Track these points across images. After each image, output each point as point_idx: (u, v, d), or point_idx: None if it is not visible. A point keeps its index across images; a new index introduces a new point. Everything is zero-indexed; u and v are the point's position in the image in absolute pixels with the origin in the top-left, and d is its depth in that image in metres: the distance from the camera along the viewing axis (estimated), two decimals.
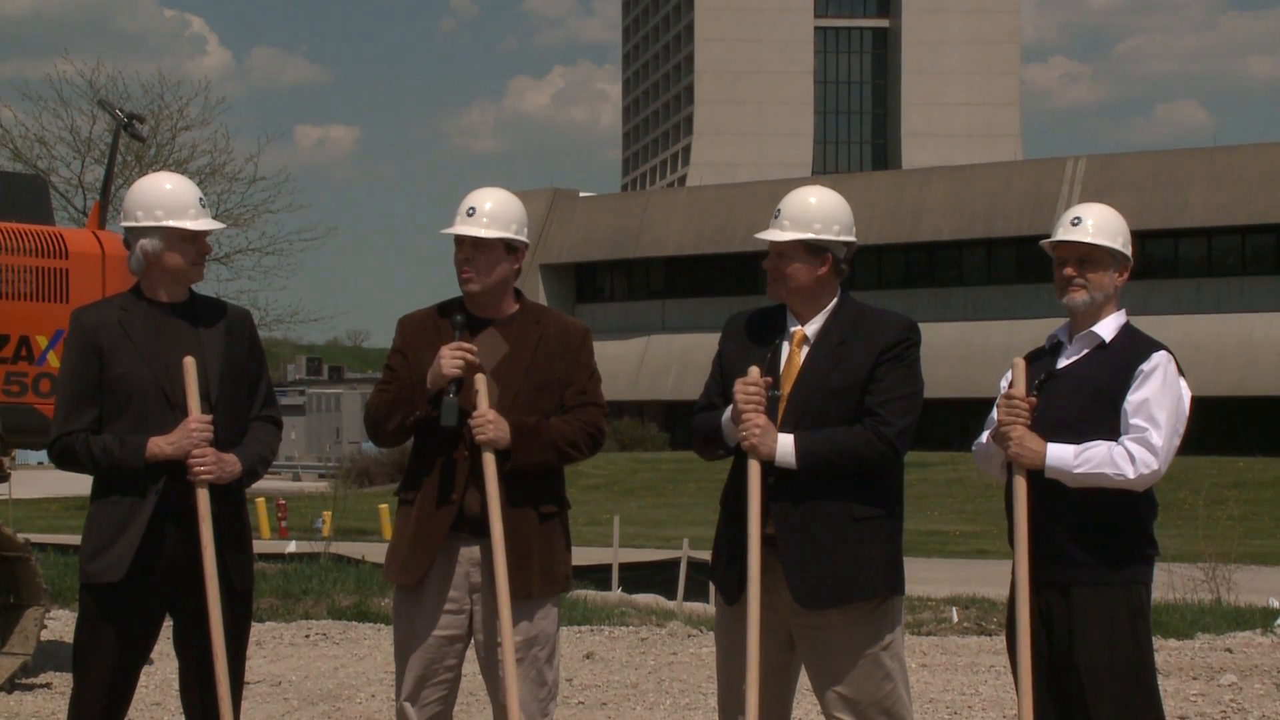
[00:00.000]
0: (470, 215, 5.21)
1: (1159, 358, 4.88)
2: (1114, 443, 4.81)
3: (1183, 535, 19.44)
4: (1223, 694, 9.63)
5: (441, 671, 5.25)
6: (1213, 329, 51.86)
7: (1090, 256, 4.98)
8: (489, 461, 5.09)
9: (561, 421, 5.21)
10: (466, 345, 5.14)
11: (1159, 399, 4.83)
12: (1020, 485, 4.92)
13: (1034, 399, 4.96)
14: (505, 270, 5.25)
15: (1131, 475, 4.78)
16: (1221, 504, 23.67)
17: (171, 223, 5.17)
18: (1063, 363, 5.03)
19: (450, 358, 5.10)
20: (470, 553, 5.20)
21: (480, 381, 5.12)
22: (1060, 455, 4.85)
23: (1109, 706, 4.85)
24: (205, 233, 5.25)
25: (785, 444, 4.91)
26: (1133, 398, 4.85)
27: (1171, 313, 48.77)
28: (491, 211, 5.22)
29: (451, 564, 5.21)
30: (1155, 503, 4.99)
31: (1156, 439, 4.79)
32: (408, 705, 5.26)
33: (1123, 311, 5.04)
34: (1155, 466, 4.79)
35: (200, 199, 5.29)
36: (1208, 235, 54.04)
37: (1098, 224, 4.99)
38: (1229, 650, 11.51)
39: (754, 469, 4.93)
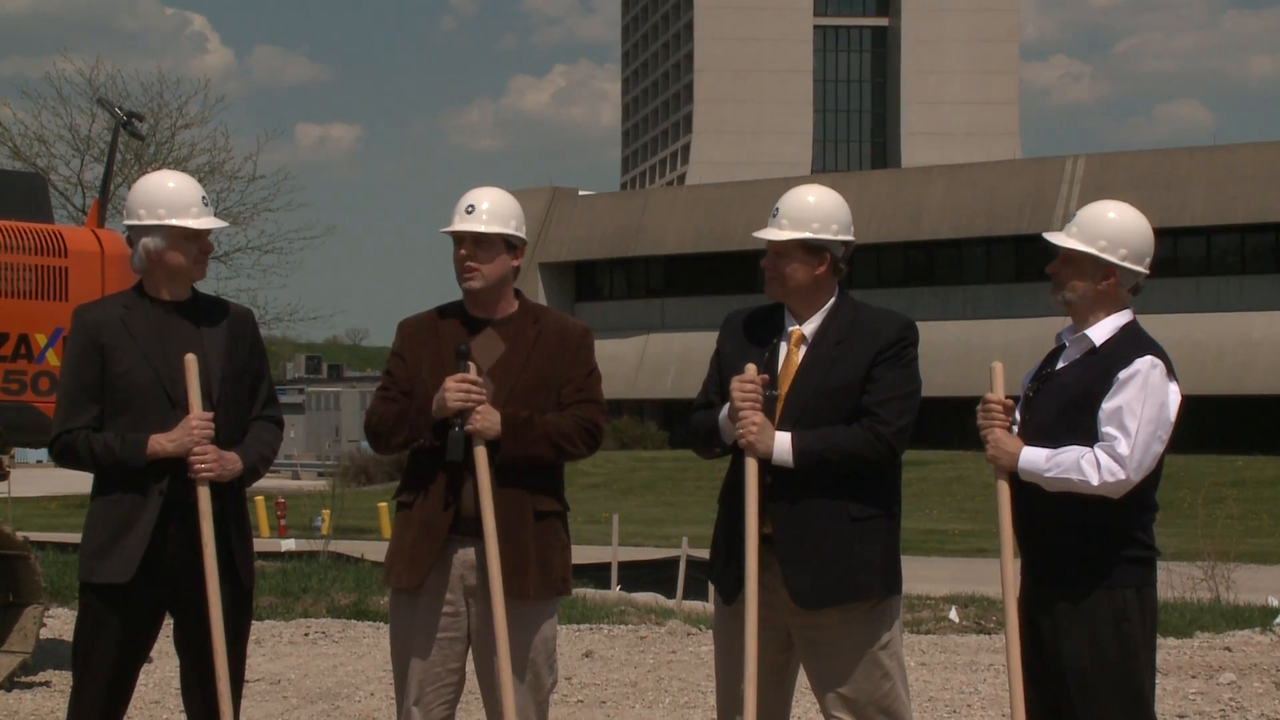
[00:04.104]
0: (469, 213, 5.22)
1: (1140, 364, 4.81)
2: (1086, 449, 4.78)
3: (1182, 534, 19.45)
4: (1222, 693, 9.63)
5: (445, 675, 5.24)
6: (1211, 328, 51.88)
7: (1070, 258, 4.95)
8: (481, 454, 5.08)
9: (558, 416, 5.19)
10: (472, 377, 5.09)
11: (1132, 407, 4.76)
12: (1002, 488, 4.92)
13: (1010, 401, 4.96)
14: (505, 267, 5.25)
15: (1095, 483, 4.75)
16: (1220, 502, 23.66)
17: (174, 221, 5.17)
18: (1059, 365, 5.02)
19: (455, 390, 5.06)
20: (465, 555, 5.19)
21: (472, 371, 5.12)
22: (1033, 459, 4.84)
23: (1096, 711, 4.84)
24: (207, 231, 5.25)
25: (782, 442, 4.91)
26: (1106, 405, 4.80)
27: (1170, 311, 48.75)
28: (490, 209, 5.22)
29: (447, 567, 5.20)
30: (1152, 505, 4.94)
31: (1124, 448, 4.74)
32: (415, 710, 5.24)
33: (1127, 312, 4.97)
34: (1122, 476, 4.74)
35: (203, 197, 5.28)
36: (1207, 234, 54.05)
37: (1082, 226, 4.94)
38: (1228, 649, 11.51)
39: (751, 467, 4.93)
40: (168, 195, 5.21)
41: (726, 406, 5.01)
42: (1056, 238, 4.96)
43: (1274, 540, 29.14)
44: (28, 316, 9.31)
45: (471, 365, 5.13)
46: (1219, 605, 14.47)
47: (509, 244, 5.24)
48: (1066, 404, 4.88)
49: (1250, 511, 31.82)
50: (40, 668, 9.73)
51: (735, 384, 4.94)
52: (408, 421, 5.17)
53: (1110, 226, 4.93)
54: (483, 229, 5.19)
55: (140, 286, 5.29)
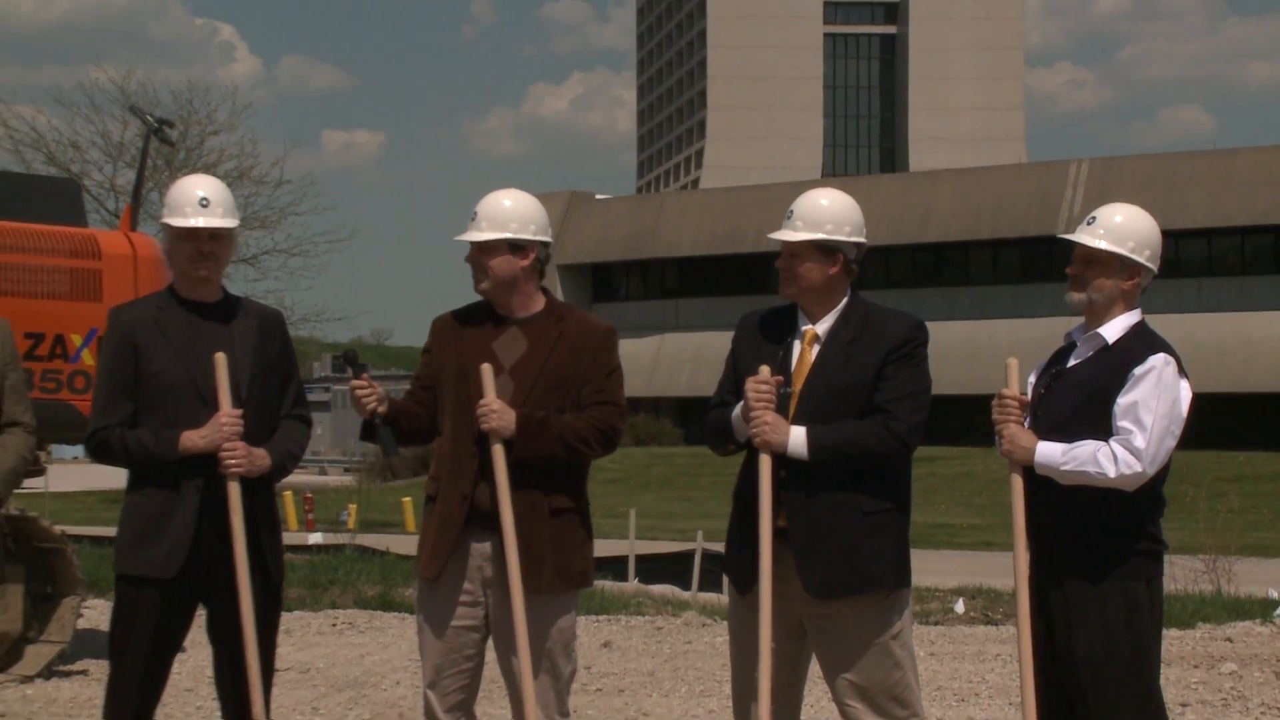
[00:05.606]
0: (472, 221, 5.26)
1: (1154, 361, 4.82)
2: (1102, 443, 4.78)
3: (1184, 528, 19.34)
4: (1223, 682, 9.62)
5: (460, 661, 5.25)
6: (1213, 327, 51.71)
7: (1096, 258, 4.93)
8: (498, 453, 5.09)
9: (574, 418, 5.18)
10: (358, 382, 5.22)
11: (1147, 402, 4.77)
12: (1016, 482, 4.91)
13: (1025, 397, 4.96)
14: (512, 268, 5.23)
15: (1112, 475, 4.74)
16: (1222, 497, 23.58)
17: (172, 220, 5.18)
18: (1071, 363, 5.02)
19: (362, 396, 5.21)
20: (482, 547, 5.20)
21: (485, 372, 5.13)
22: (1049, 453, 4.83)
23: (1106, 700, 4.83)
24: (208, 231, 5.18)
25: (797, 435, 4.91)
26: (1122, 400, 4.81)
27: (1173, 311, 48.58)
28: (491, 215, 5.23)
29: (465, 558, 5.21)
30: (1160, 499, 4.94)
31: (1140, 442, 4.74)
32: (430, 693, 5.27)
33: (1136, 312, 4.97)
34: (1138, 468, 4.74)
35: (201, 198, 5.18)
36: (1208, 236, 53.87)
37: (1109, 227, 4.94)
38: (1229, 640, 11.49)
39: (765, 464, 4.93)
40: (172, 195, 5.24)
41: (739, 405, 5.02)
42: (1085, 238, 4.94)
43: (1274, 534, 29.03)
44: (63, 317, 9.35)
45: (362, 369, 5.29)
46: (1220, 597, 14.43)
47: (514, 246, 5.24)
48: (1081, 400, 4.87)
49: (1251, 506, 31.69)
50: (78, 657, 9.77)
51: (750, 385, 4.95)
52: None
53: (1136, 228, 4.95)
54: (479, 237, 5.21)
55: (173, 287, 5.30)
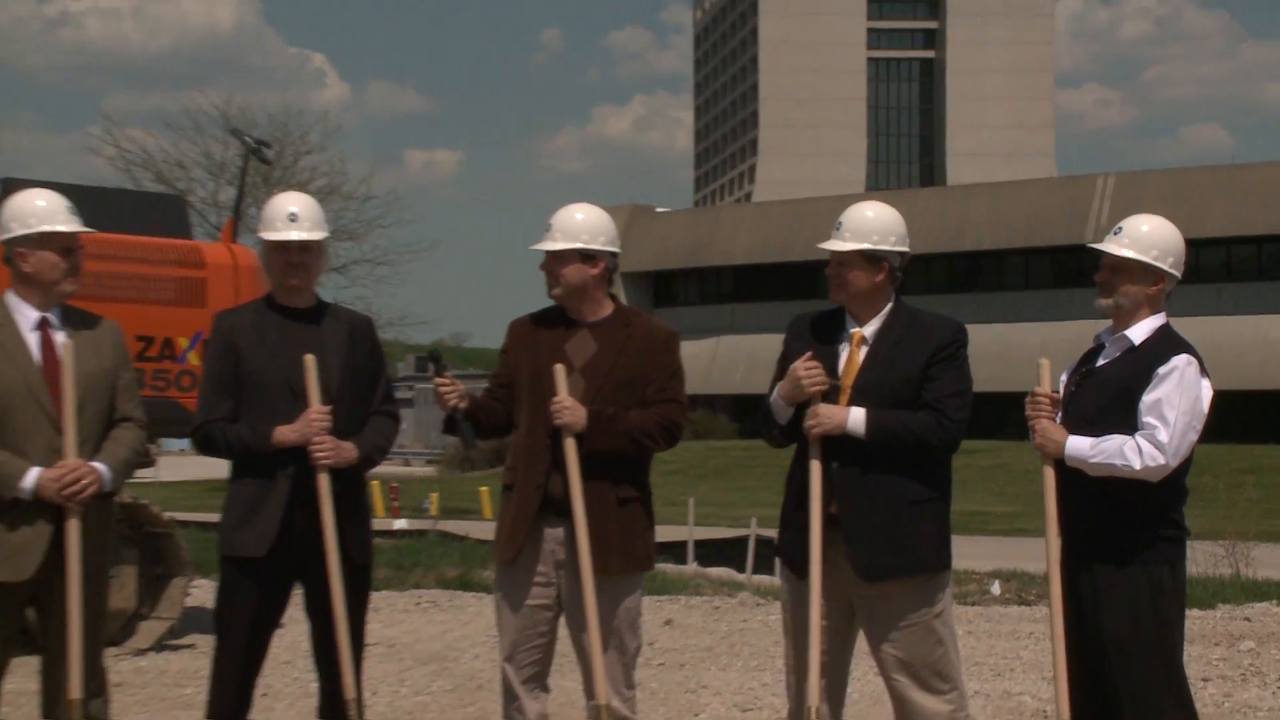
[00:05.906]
0: (547, 232, 5.26)
1: (1177, 361, 4.78)
2: (1128, 437, 4.74)
3: (1205, 515, 19.16)
4: (1242, 659, 9.53)
5: (535, 637, 5.26)
6: (1232, 329, 51.14)
7: (1122, 266, 4.88)
8: (570, 446, 5.10)
9: (639, 414, 5.18)
10: (441, 380, 5.23)
11: (1171, 399, 4.73)
12: (1048, 474, 4.86)
13: (1056, 394, 4.92)
14: (582, 276, 5.23)
15: (1138, 467, 4.70)
16: (1240, 487, 23.37)
17: (265, 235, 5.23)
18: (1100, 363, 4.98)
19: (445, 392, 5.21)
20: (555, 533, 5.21)
21: (559, 371, 5.13)
22: (1078, 446, 4.79)
23: (1133, 675, 4.79)
24: (296, 244, 5.21)
25: (856, 414, 4.89)
26: (1147, 398, 4.76)
27: (1194, 314, 48.05)
28: (564, 226, 5.23)
29: (539, 542, 5.22)
30: (1183, 489, 4.89)
31: (1163, 436, 4.70)
32: (507, 666, 5.29)
33: (1160, 315, 4.92)
34: (1162, 461, 4.70)
35: (291, 213, 5.22)
36: (1227, 244, 53.28)
37: (1134, 237, 4.89)
38: (1248, 619, 11.38)
39: (815, 464, 4.92)
40: (266, 212, 5.29)
41: (776, 388, 5.01)
42: (1112, 247, 4.89)
43: None
44: (171, 322, 9.44)
45: (444, 368, 5.27)
46: (1239, 580, 14.29)
47: (585, 255, 5.24)
48: (1109, 397, 4.83)
49: (1268, 495, 31.37)
50: (186, 632, 9.87)
51: (801, 367, 4.92)
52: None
53: (1159, 237, 4.90)
54: (554, 247, 5.21)
55: (270, 295, 5.34)
